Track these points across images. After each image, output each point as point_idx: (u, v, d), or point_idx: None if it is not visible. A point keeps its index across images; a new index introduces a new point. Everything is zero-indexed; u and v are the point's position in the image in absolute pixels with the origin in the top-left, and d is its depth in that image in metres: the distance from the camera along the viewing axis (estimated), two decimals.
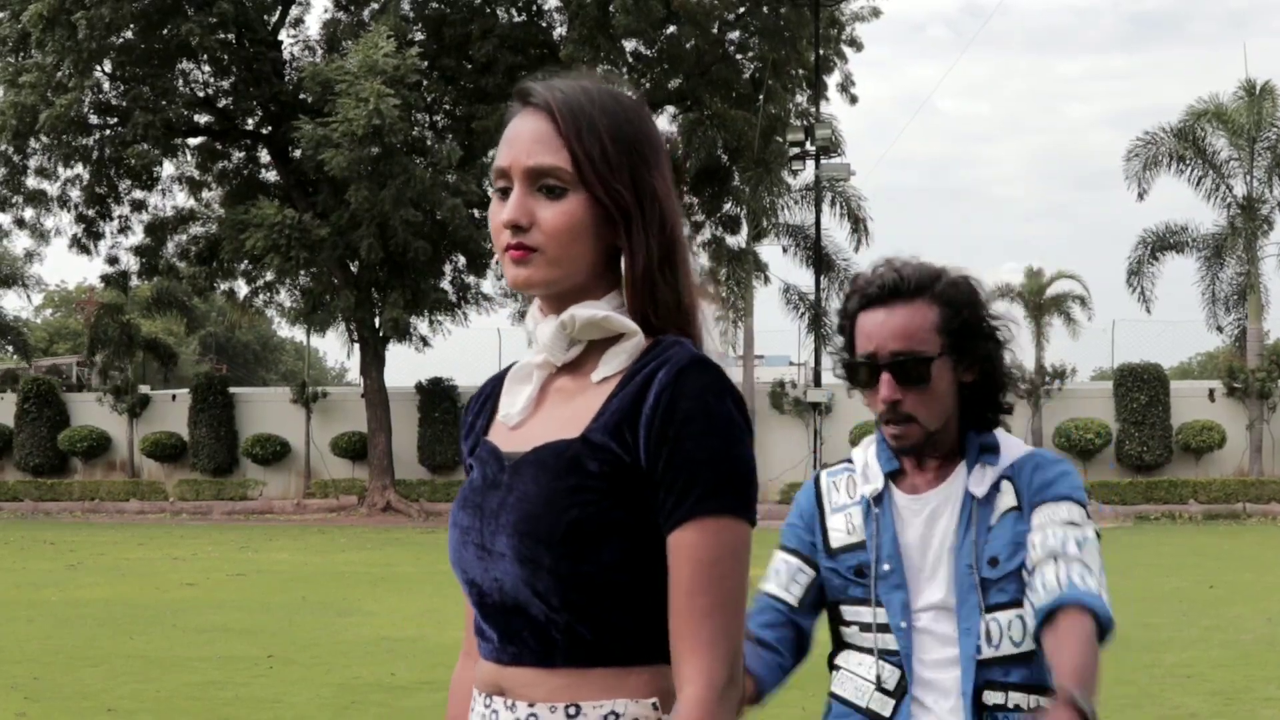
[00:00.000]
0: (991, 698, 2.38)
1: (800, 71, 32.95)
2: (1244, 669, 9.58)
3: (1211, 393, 30.81)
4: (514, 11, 32.33)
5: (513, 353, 42.82)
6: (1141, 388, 30.37)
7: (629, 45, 31.31)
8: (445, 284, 31.91)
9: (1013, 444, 2.51)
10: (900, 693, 2.43)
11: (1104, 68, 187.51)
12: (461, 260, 32.11)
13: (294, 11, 32.70)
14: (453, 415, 32.45)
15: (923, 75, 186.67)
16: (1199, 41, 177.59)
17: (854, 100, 35.12)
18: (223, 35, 30.05)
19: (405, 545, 22.40)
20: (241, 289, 34.20)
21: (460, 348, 35.65)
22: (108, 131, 30.64)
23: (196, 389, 33.77)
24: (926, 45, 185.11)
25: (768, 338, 57.73)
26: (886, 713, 2.43)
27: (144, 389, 35.44)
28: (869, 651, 2.47)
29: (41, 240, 33.31)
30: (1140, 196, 31.07)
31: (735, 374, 36.46)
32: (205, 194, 33.85)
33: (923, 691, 2.42)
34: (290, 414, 33.35)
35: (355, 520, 28.80)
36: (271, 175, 33.05)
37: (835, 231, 42.86)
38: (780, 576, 2.57)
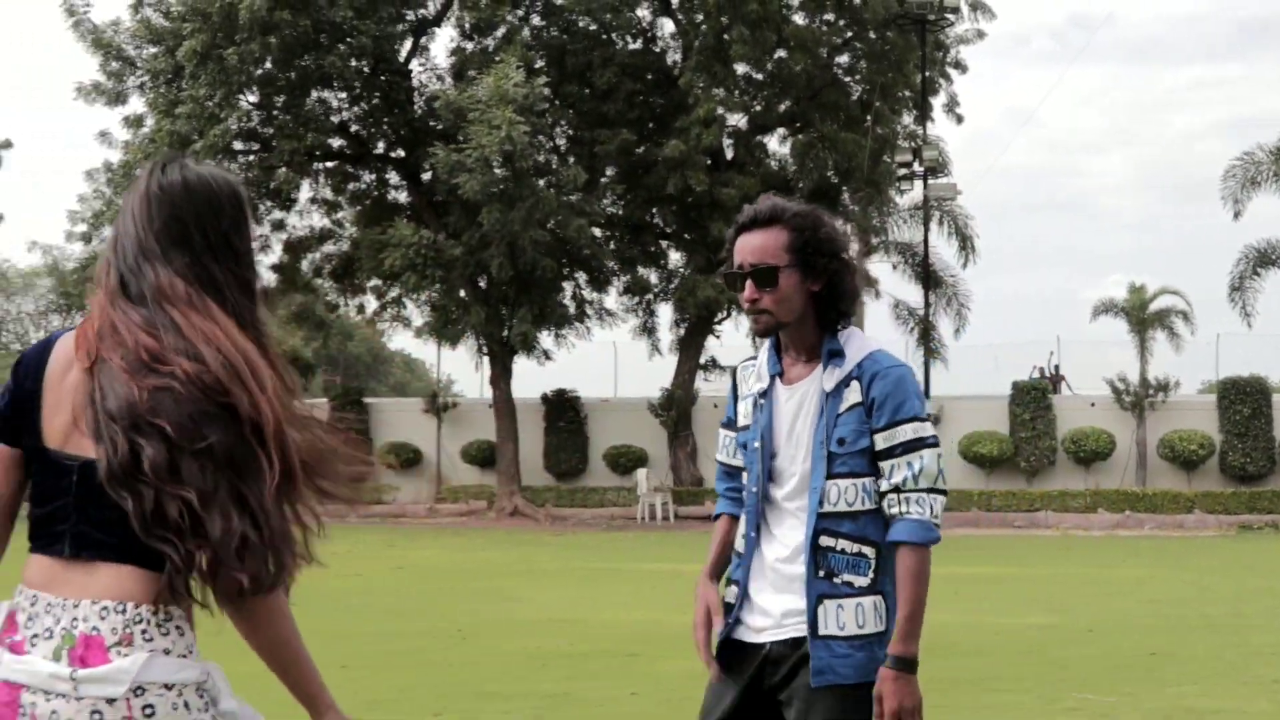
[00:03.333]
0: (825, 541, 3.22)
1: (907, 93, 34.00)
2: None
3: None
4: (629, 38, 33.68)
5: (629, 365, 44.29)
6: (1244, 400, 31.02)
7: (740, 69, 32.52)
8: (567, 299, 33.29)
9: (857, 344, 3.31)
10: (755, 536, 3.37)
11: (1213, 75, 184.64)
12: (583, 277, 33.57)
13: (422, 41, 34.40)
14: (576, 425, 33.98)
15: (1027, 87, 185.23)
16: None
17: (960, 120, 36.20)
18: (357, 64, 31.78)
19: (538, 545, 23.84)
20: (371, 304, 35.98)
21: (579, 360, 36.96)
22: (251, 157, 32.58)
23: (333, 400, 35.32)
24: (1030, 58, 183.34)
25: None
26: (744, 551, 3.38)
27: None
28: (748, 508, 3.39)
29: None
30: (1236, 216, 31.53)
31: None
32: (338, 213, 35.63)
33: (770, 535, 3.33)
34: (422, 423, 34.97)
35: (485, 524, 30.18)
36: (401, 196, 34.77)
37: (943, 249, 43.51)
38: (726, 447, 3.55)
